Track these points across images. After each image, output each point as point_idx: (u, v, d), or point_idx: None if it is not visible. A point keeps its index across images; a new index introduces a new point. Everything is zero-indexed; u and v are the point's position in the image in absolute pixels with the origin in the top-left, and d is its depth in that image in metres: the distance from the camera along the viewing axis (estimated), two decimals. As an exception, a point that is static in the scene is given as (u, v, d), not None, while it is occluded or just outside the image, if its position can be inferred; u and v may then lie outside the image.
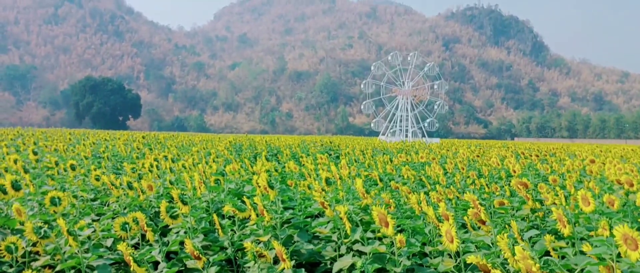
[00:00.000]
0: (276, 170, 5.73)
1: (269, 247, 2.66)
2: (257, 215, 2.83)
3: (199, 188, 3.66)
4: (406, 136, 46.72)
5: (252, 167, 6.20)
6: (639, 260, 1.68)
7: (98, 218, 3.81)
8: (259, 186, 3.11)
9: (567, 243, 2.65)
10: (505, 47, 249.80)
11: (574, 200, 3.75)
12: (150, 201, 4.11)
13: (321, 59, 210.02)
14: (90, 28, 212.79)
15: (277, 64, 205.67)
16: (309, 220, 3.39)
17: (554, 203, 4.05)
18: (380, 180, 4.74)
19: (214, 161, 7.34)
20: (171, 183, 4.56)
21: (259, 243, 2.84)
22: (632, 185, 4.23)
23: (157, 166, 5.67)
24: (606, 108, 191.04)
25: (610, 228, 2.09)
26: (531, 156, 11.16)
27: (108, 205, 4.18)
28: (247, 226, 3.06)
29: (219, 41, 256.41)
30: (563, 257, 2.54)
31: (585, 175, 7.08)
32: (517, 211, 3.97)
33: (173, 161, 6.29)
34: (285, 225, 2.97)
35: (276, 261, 2.50)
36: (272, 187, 2.89)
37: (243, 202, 3.28)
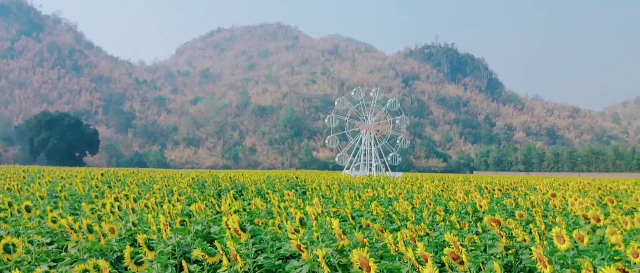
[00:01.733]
0: (243, 209, 5.57)
1: (243, 295, 2.52)
2: (229, 260, 2.69)
3: (165, 230, 3.48)
4: (370, 170, 47.06)
5: (217, 205, 6.01)
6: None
7: (55, 264, 3.55)
8: (229, 228, 2.97)
9: (546, 283, 2.62)
10: (462, 84, 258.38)
11: (544, 236, 3.77)
12: (112, 245, 3.87)
13: (285, 94, 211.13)
14: (48, 62, 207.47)
15: (240, 99, 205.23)
16: (280, 262, 3.26)
17: (524, 240, 4.06)
18: (352, 217, 4.66)
19: (177, 200, 7.10)
20: (134, 224, 4.34)
21: (230, 289, 2.69)
22: (598, 220, 4.31)
23: (118, 207, 5.41)
24: (559, 142, 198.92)
25: (594, 269, 2.07)
26: (494, 190, 11.35)
27: (66, 250, 3.92)
28: (217, 272, 2.91)
29: (180, 76, 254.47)
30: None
31: (549, 209, 7.21)
32: (489, 248, 3.95)
33: (135, 201, 6.03)
34: (258, 270, 2.83)
35: (250, 309, 2.36)
36: (244, 230, 2.77)
37: (212, 245, 3.13)
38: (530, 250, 3.43)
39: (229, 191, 9.55)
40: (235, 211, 4.70)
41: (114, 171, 25.88)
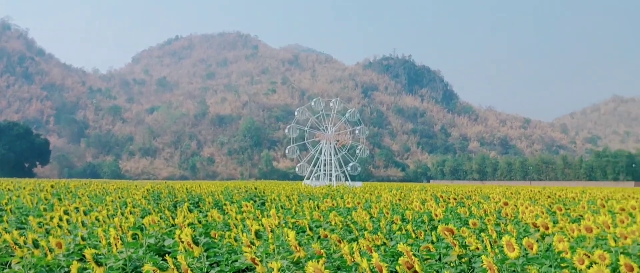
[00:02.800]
0: (199, 221, 5.46)
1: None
2: (181, 274, 2.62)
3: (115, 244, 3.36)
4: (330, 179, 47.23)
5: (172, 218, 5.87)
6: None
7: (-4, 282, 3.36)
8: (182, 242, 2.90)
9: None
10: (419, 95, 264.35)
11: (496, 244, 3.87)
12: (60, 260, 3.71)
13: (244, 103, 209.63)
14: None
15: (198, 108, 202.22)
16: (236, 275, 3.21)
17: (477, 248, 4.16)
18: (310, 228, 4.65)
19: (130, 213, 6.89)
20: (83, 238, 4.17)
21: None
22: (547, 228, 4.47)
23: (67, 220, 5.19)
24: (511, 152, 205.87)
25: (540, 276, 2.14)
26: (449, 199, 11.60)
27: (10, 267, 3.73)
28: (169, 287, 2.82)
29: (136, 85, 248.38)
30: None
31: (501, 217, 7.43)
32: (444, 257, 4.02)
33: (85, 214, 5.81)
34: (212, 283, 2.78)
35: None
36: (197, 243, 2.71)
37: (164, 260, 3.05)
38: (482, 258, 3.52)
39: (185, 202, 9.35)
40: (189, 224, 4.60)
41: (65, 182, 24.88)
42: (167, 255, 3.21)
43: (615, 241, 4.25)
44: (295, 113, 49.04)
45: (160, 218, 6.06)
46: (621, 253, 4.15)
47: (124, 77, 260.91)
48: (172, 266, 2.65)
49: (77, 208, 5.88)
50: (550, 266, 3.17)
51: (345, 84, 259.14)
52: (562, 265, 3.32)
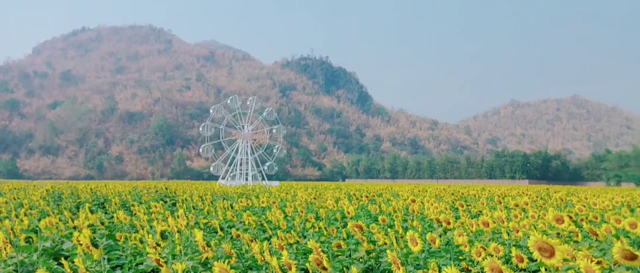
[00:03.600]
0: (102, 223, 5.16)
1: (93, 317, 2.31)
2: (79, 279, 2.46)
3: (4, 248, 3.08)
4: (246, 179, 46.71)
5: (72, 220, 5.49)
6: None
7: None
8: (81, 245, 2.72)
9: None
10: (336, 96, 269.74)
11: (402, 239, 4.04)
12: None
13: (156, 100, 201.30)
14: None
15: (106, 104, 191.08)
16: (141, 278, 3.07)
17: (385, 243, 4.31)
18: (221, 228, 4.56)
19: (26, 215, 6.35)
20: (-35, 244, 3.77)
21: (79, 311, 2.46)
22: (449, 223, 4.74)
23: (-54, 224, 4.68)
24: (420, 152, 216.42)
25: (439, 269, 2.26)
26: (362, 197, 11.94)
27: None
28: (65, 293, 2.64)
29: (37, 78, 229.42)
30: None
31: (409, 214, 7.76)
32: (353, 252, 4.12)
33: (-30, 217, 5.27)
34: (113, 288, 2.63)
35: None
36: (96, 246, 2.55)
37: (60, 264, 2.84)
38: (387, 253, 3.65)
39: (88, 203, 8.79)
40: (90, 226, 4.33)
41: (-52, 183, 22.44)
42: (66, 258, 3.00)
43: (509, 234, 4.60)
44: (211, 111, 47.90)
45: (60, 220, 5.67)
46: (513, 245, 4.51)
47: (24, 69, 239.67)
48: (69, 270, 2.48)
49: (-40, 211, 5.33)
50: (450, 259, 3.36)
51: (262, 83, 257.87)
52: (461, 257, 3.53)
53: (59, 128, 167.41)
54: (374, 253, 4.07)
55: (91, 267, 2.47)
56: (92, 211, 4.93)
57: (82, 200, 11.42)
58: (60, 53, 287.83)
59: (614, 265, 3.31)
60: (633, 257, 2.67)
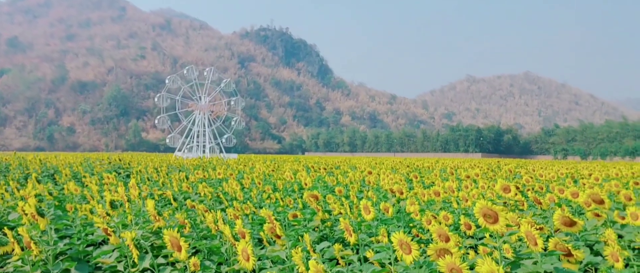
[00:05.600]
0: (51, 193, 5.00)
1: (38, 287, 2.25)
2: (22, 249, 2.38)
3: (-58, 220, 2.94)
4: (204, 152, 46.11)
5: (18, 191, 5.29)
6: (412, 262, 1.88)
7: None
8: (26, 214, 2.63)
9: (353, 251, 2.86)
10: (296, 69, 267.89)
11: (356, 209, 4.12)
12: None
13: (109, 69, 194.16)
14: None
15: (56, 72, 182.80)
16: (90, 249, 3.00)
17: (340, 213, 4.38)
18: (174, 199, 4.51)
19: (-33, 186, 6.05)
20: None
21: (24, 282, 2.39)
22: (402, 193, 4.85)
23: None
24: (379, 126, 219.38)
25: (388, 234, 2.32)
26: (320, 169, 12.03)
27: None
28: (9, 263, 2.55)
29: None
30: (350, 264, 2.73)
31: (365, 185, 7.90)
32: (309, 222, 4.17)
33: None
34: (61, 258, 2.56)
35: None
36: (42, 215, 2.47)
37: (4, 234, 2.74)
38: (340, 220, 3.71)
39: (36, 174, 8.47)
40: (37, 195, 4.18)
41: None
42: (12, 230, 2.89)
43: (458, 203, 4.76)
44: (166, 81, 46.64)
45: (6, 191, 5.46)
46: (463, 214, 4.68)
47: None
48: (12, 239, 2.40)
49: None
50: (400, 226, 3.45)
51: (221, 54, 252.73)
52: (411, 225, 3.63)
53: (6, 97, 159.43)
54: (329, 222, 4.13)
55: (37, 237, 2.40)
56: (39, 181, 4.75)
57: (30, 172, 11.00)
58: (6, 18, 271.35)
59: (555, 232, 3.48)
60: (572, 224, 2.81)
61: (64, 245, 2.62)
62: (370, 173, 8.80)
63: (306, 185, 6.85)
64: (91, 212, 3.91)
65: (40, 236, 2.55)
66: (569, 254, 2.38)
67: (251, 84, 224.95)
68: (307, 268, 1.66)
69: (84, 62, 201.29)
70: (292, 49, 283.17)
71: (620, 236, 3.33)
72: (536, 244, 2.13)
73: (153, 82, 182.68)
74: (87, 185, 6.51)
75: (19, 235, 2.35)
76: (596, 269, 2.97)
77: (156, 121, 46.71)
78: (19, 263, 2.51)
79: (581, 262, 2.63)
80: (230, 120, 49.87)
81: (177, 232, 2.04)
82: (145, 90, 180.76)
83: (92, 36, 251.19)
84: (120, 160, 15.71)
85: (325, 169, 11.74)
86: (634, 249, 3.00)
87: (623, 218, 3.62)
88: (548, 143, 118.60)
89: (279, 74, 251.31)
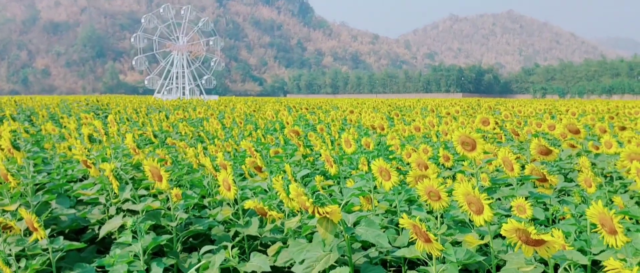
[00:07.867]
0: (27, 131, 4.91)
1: (18, 218, 2.24)
2: (0, 182, 2.36)
3: None
4: (183, 93, 45.58)
5: (-6, 131, 5.18)
6: (391, 188, 1.91)
7: None
8: (2, 149, 2.58)
9: (334, 182, 2.90)
10: (276, 7, 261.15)
11: (338, 144, 4.15)
12: None
13: (82, 8, 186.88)
14: None
15: (26, 13, 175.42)
16: (71, 184, 2.99)
17: (321, 148, 4.42)
18: (155, 136, 4.47)
19: (-61, 127, 5.90)
20: None
21: (4, 213, 2.38)
22: (383, 129, 4.89)
23: None
24: (361, 67, 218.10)
25: (368, 163, 2.35)
26: (302, 109, 12.02)
27: None
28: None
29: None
30: (331, 195, 2.77)
31: (347, 123, 7.94)
32: (290, 157, 4.20)
33: None
34: (40, 191, 2.54)
35: (29, 232, 2.13)
36: (17, 148, 2.43)
37: (-19, 171, 2.69)
38: (320, 152, 3.74)
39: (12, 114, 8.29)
40: (13, 131, 4.11)
41: None
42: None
43: (438, 137, 4.83)
44: (142, 21, 45.21)
45: (-21, 132, 5.33)
46: (442, 147, 4.75)
47: None
48: (-12, 175, 2.36)
49: None
50: (380, 157, 3.50)
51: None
52: (390, 157, 3.69)
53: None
54: (311, 157, 4.16)
55: (14, 170, 2.37)
56: (14, 119, 4.66)
57: (5, 114, 10.76)
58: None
59: (532, 161, 3.57)
60: (548, 152, 2.88)
61: (44, 178, 2.60)
62: (352, 112, 8.82)
63: (288, 123, 6.85)
64: (69, 149, 3.86)
65: (16, 170, 2.52)
66: (544, 180, 2.45)
67: (230, 24, 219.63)
68: (288, 194, 1.67)
69: (56, 1, 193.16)
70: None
71: (593, 165, 3.43)
72: (512, 169, 2.18)
73: (129, 22, 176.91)
74: (65, 126, 6.40)
75: (-5, 170, 2.32)
76: (568, 194, 3.08)
77: (134, 63, 45.69)
78: (-2, 197, 2.49)
79: (555, 188, 2.72)
80: (209, 61, 48.98)
81: (157, 163, 2.03)
82: (120, 30, 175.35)
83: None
84: (98, 102, 15.46)
85: (307, 109, 11.74)
86: (605, 176, 3.10)
87: (597, 148, 3.72)
88: (527, 82, 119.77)
89: (259, 13, 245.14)
